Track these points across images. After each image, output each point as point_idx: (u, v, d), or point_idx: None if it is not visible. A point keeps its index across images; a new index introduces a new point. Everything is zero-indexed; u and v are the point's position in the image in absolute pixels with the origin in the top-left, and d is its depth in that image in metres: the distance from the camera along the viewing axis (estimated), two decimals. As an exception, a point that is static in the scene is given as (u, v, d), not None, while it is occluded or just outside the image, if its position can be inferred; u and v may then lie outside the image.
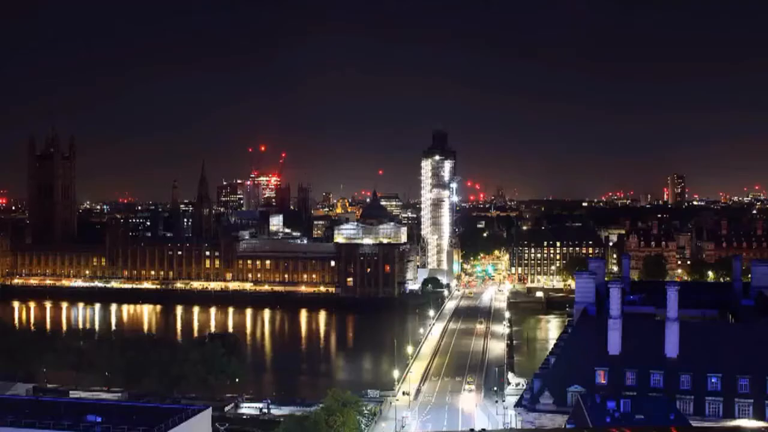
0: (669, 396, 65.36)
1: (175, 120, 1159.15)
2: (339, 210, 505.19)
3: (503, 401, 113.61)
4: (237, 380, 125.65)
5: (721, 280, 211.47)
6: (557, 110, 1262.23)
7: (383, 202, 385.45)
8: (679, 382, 69.48)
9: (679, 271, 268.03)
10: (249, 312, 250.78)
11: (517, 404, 77.62)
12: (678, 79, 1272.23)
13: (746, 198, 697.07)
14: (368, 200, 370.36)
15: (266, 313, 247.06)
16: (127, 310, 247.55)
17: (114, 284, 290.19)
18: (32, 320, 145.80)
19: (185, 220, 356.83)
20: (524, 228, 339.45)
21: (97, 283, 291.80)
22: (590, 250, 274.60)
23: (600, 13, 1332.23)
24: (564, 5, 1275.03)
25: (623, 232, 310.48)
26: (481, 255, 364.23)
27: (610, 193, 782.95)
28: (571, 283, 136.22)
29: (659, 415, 54.88)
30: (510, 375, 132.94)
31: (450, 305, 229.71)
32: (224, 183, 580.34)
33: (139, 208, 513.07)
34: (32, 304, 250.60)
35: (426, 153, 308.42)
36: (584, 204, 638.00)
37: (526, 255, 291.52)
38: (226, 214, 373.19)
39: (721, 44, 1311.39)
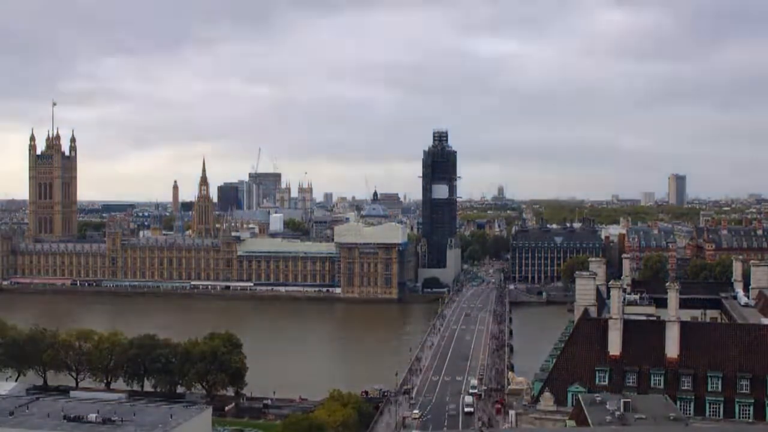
0: (669, 396, 65.36)
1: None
2: (339, 210, 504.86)
3: (503, 401, 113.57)
4: (237, 380, 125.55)
5: (722, 280, 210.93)
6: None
7: (383, 202, 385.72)
8: (679, 382, 69.55)
9: (680, 271, 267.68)
10: (249, 311, 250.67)
11: (517, 404, 77.72)
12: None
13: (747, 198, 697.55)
14: (368, 200, 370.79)
15: (266, 313, 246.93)
16: (127, 309, 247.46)
17: (114, 283, 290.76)
18: (32, 320, 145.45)
19: (186, 219, 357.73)
20: (525, 228, 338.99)
21: (98, 283, 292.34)
22: (591, 251, 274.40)
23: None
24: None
25: (623, 232, 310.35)
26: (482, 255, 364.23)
27: (612, 193, 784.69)
28: (572, 284, 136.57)
29: (659, 415, 54.91)
30: (510, 375, 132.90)
31: (450, 306, 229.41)
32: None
33: (140, 206, 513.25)
34: (32, 304, 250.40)
35: (426, 152, 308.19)
36: (585, 204, 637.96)
37: (526, 255, 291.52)
38: (225, 214, 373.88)
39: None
